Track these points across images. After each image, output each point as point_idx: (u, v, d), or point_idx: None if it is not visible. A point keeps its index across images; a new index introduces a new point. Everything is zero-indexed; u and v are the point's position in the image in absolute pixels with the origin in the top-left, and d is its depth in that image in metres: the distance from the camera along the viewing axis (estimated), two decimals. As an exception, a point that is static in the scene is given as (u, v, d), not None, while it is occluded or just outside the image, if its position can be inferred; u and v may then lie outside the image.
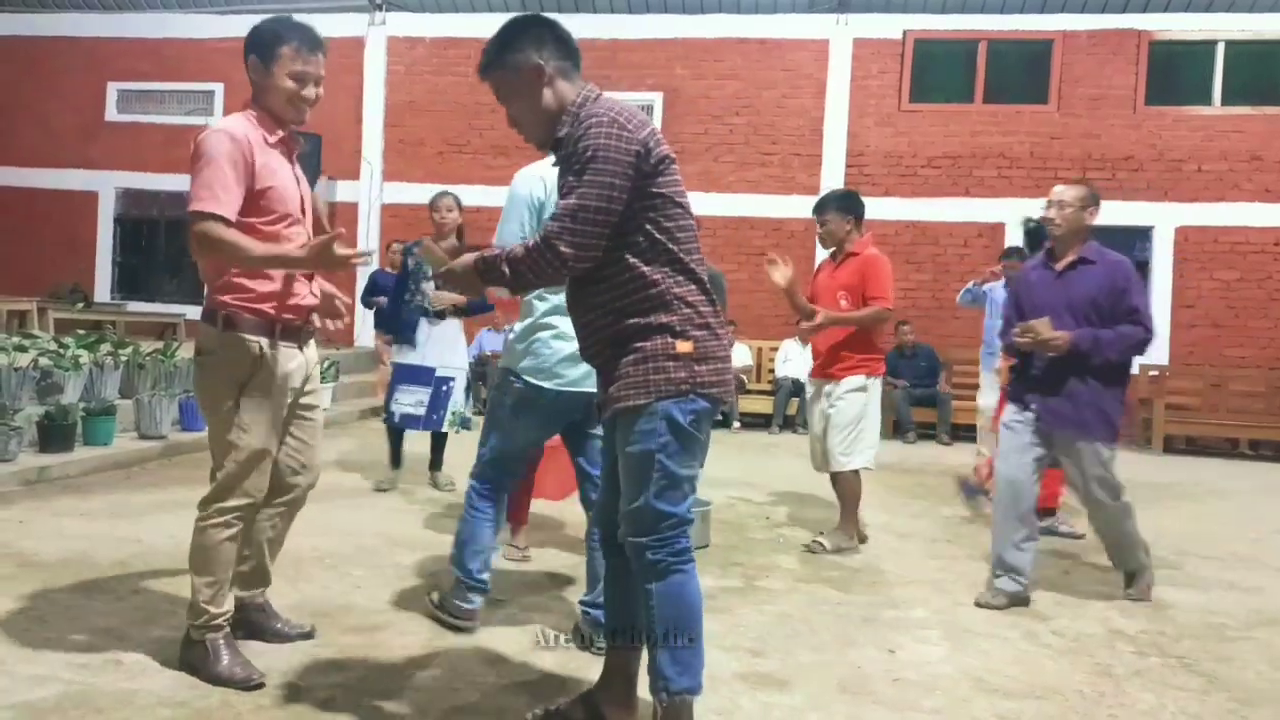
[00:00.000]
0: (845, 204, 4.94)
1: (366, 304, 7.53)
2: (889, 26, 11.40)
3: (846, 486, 4.80)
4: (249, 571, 2.98)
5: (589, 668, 2.88)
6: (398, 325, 5.78)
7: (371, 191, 12.05)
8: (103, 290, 12.65)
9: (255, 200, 2.67)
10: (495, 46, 2.40)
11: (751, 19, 11.59)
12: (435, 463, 5.98)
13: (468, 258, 2.36)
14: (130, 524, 4.58)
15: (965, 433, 9.63)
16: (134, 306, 12.41)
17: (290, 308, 2.78)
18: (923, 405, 10.30)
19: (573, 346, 3.04)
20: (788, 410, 10.44)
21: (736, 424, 10.39)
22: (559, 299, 3.06)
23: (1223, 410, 10.52)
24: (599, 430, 3.15)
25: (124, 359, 6.97)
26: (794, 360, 10.34)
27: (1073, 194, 3.96)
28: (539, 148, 2.49)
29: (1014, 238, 9.88)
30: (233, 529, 2.74)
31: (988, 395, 6.33)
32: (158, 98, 12.60)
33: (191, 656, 2.73)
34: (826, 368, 4.86)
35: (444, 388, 5.64)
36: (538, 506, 4.52)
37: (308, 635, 3.07)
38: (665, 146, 2.32)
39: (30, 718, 2.43)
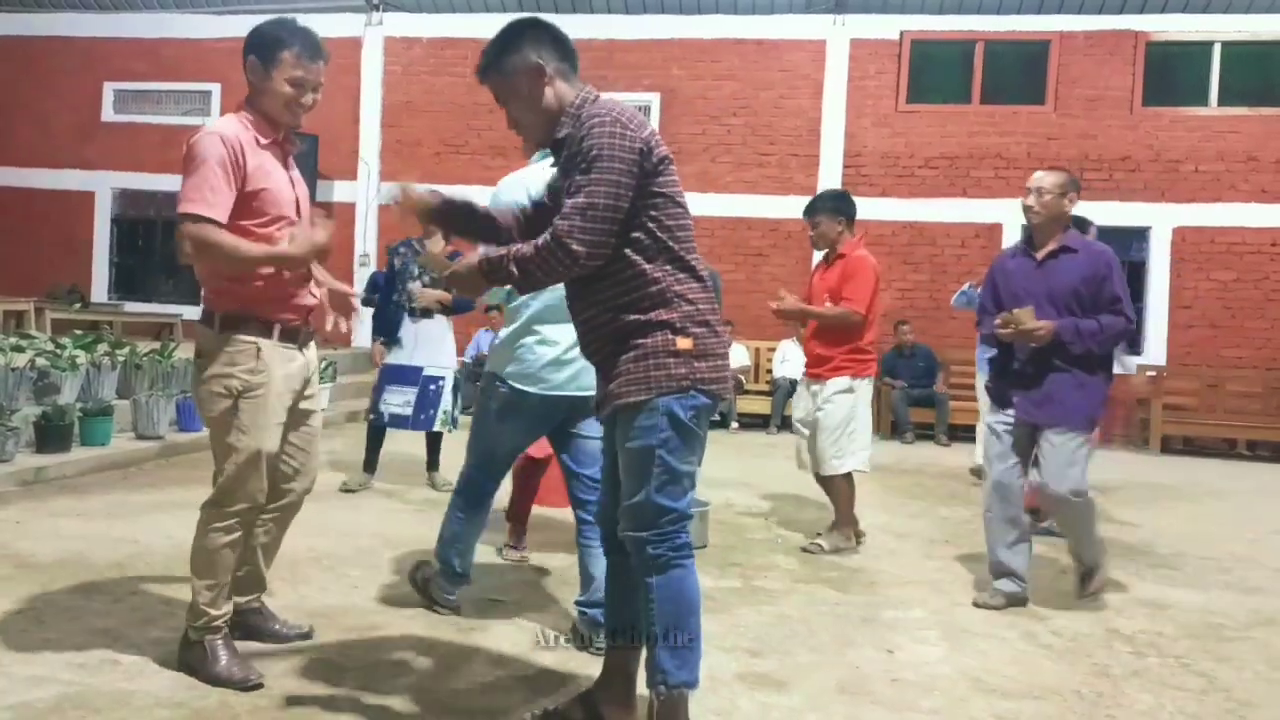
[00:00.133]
0: (837, 205, 4.92)
1: (366, 303, 7.54)
2: (886, 27, 11.40)
3: (838, 489, 4.80)
4: (244, 577, 2.97)
5: (588, 667, 2.88)
6: (386, 325, 5.80)
7: (369, 192, 12.04)
8: (100, 290, 12.63)
9: (248, 202, 2.66)
10: (495, 48, 2.41)
11: (748, 20, 11.59)
12: (432, 463, 5.99)
13: (472, 258, 2.37)
14: (127, 524, 4.57)
15: (963, 433, 9.65)
16: (131, 307, 12.39)
17: (289, 308, 2.77)
18: (920, 406, 10.31)
19: (556, 351, 3.10)
20: (785, 411, 10.42)
21: (734, 424, 10.40)
22: (543, 306, 3.10)
23: (1220, 411, 10.54)
24: (584, 431, 3.21)
25: (121, 359, 6.96)
26: (791, 361, 10.34)
27: (1051, 180, 3.87)
28: (539, 148, 2.50)
29: (1011, 238, 9.89)
30: (235, 533, 2.74)
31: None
32: (155, 98, 12.57)
33: (190, 657, 2.73)
34: (813, 368, 4.88)
35: (431, 387, 5.67)
36: (537, 507, 4.51)
37: (306, 636, 3.07)
38: (664, 147, 2.35)
39: (28, 718, 2.42)
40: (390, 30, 12.09)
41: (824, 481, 4.87)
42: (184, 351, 7.56)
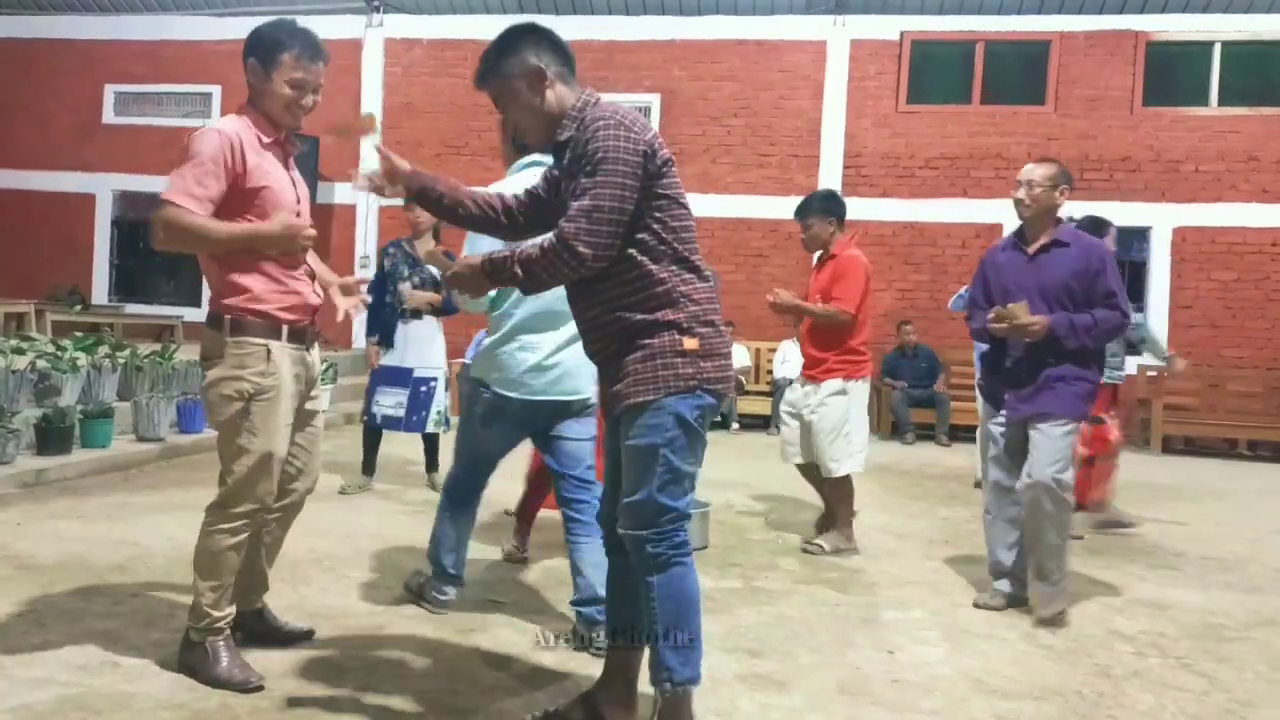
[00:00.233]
0: (827, 206, 4.91)
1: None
2: (886, 28, 11.41)
3: (836, 491, 4.80)
4: (247, 577, 2.96)
5: (588, 668, 2.88)
6: (379, 325, 5.82)
7: (369, 194, 12.02)
8: (100, 292, 12.63)
9: (248, 200, 2.66)
10: (494, 53, 2.42)
11: (749, 20, 11.60)
12: (431, 464, 5.99)
13: (474, 258, 2.37)
14: (128, 526, 4.57)
15: (964, 434, 9.64)
16: (132, 309, 12.42)
17: (295, 309, 2.78)
18: (921, 406, 10.30)
19: (538, 357, 3.18)
20: (786, 411, 10.44)
21: (735, 425, 10.40)
22: (526, 315, 3.17)
23: (1221, 410, 10.54)
24: (567, 433, 3.30)
25: (122, 361, 6.97)
26: (791, 361, 10.33)
27: (1041, 172, 3.77)
28: (539, 151, 2.51)
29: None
30: (239, 535, 2.74)
31: None
32: (155, 100, 12.58)
33: (191, 659, 2.73)
34: (807, 369, 4.88)
35: (423, 389, 5.69)
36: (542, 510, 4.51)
37: (306, 637, 3.07)
38: (666, 149, 2.36)
39: (28, 721, 2.42)
40: (390, 32, 12.09)
41: (809, 475, 4.92)
42: (185, 353, 7.57)
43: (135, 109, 12.61)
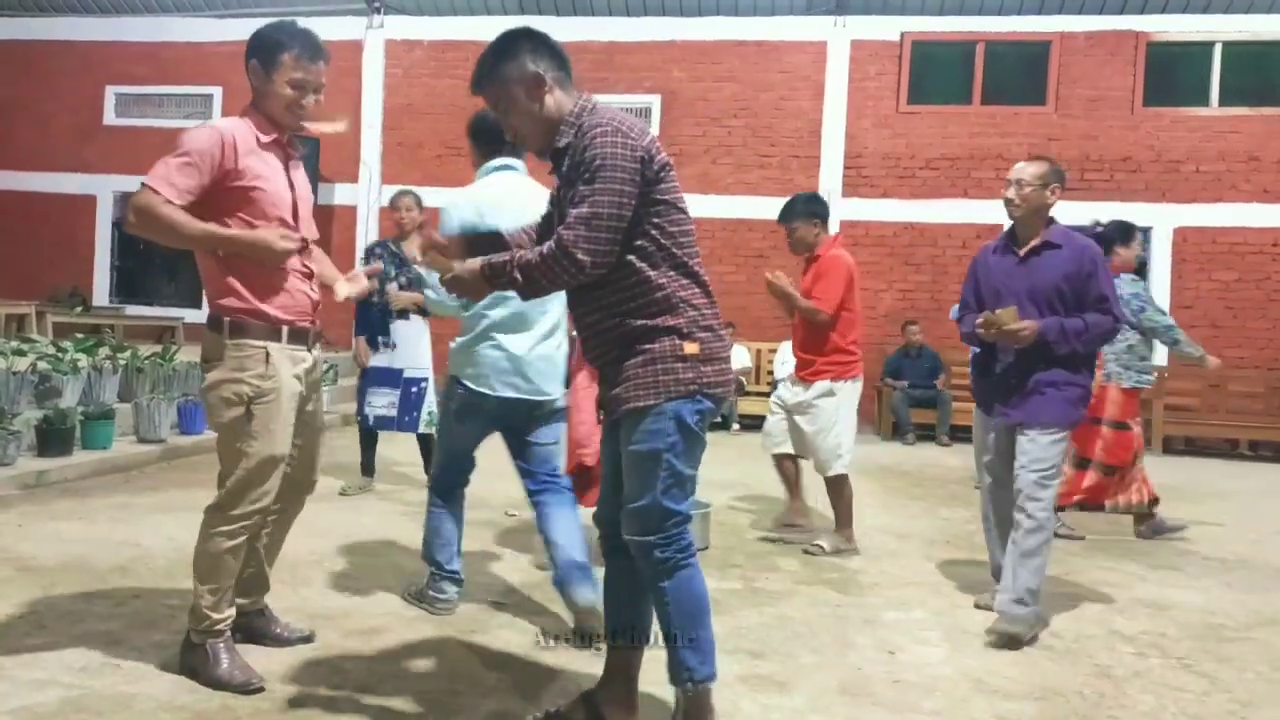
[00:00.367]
0: (810, 208, 4.91)
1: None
2: (887, 28, 11.40)
3: (836, 491, 4.80)
4: (248, 578, 2.97)
5: (588, 668, 2.88)
6: (369, 324, 5.83)
7: (370, 195, 12.04)
8: (101, 294, 12.63)
9: (240, 199, 2.66)
10: (491, 58, 2.42)
11: (749, 21, 11.59)
12: (429, 465, 5.98)
13: (474, 262, 2.38)
14: (129, 528, 4.57)
15: (964, 434, 9.63)
16: (132, 310, 12.40)
17: (295, 310, 2.77)
18: (922, 406, 10.30)
19: (510, 356, 3.27)
20: (787, 412, 10.43)
21: (735, 426, 10.39)
22: (500, 317, 3.24)
23: (1222, 411, 10.53)
24: (538, 438, 3.40)
25: (122, 363, 6.97)
26: (792, 362, 10.33)
27: (1032, 171, 3.63)
28: (539, 157, 2.52)
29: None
30: (239, 538, 2.73)
31: None
32: (156, 101, 12.58)
33: (192, 660, 2.73)
34: (799, 370, 4.92)
35: (413, 389, 5.73)
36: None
37: (307, 639, 3.07)
38: (664, 154, 2.36)
39: (29, 722, 2.43)
40: (391, 33, 12.09)
41: (781, 468, 5.08)
42: (185, 355, 7.57)
43: (136, 110, 12.61)
